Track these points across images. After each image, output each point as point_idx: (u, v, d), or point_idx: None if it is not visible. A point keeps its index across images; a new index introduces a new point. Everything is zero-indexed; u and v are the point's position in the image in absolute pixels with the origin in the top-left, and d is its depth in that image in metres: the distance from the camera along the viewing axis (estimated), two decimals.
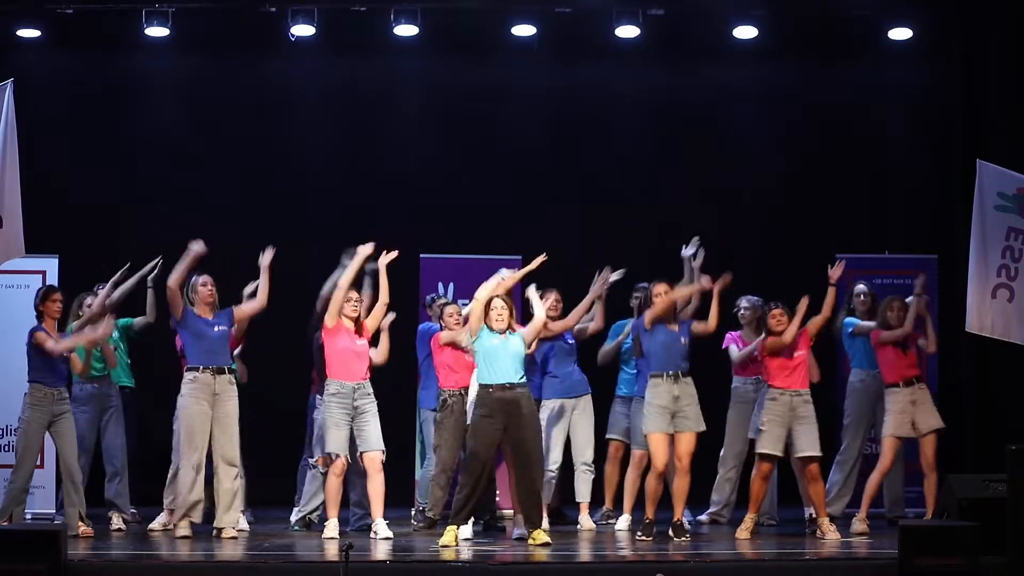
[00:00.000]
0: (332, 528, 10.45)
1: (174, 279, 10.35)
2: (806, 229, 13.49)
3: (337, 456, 10.48)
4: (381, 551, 9.80)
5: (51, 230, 12.08)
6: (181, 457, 10.53)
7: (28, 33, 13.13)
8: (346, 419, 10.49)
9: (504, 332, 10.15)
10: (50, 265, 11.88)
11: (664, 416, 10.40)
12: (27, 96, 11.04)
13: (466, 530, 10.36)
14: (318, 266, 13.02)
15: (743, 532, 10.56)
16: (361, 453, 10.51)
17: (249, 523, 11.12)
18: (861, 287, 11.73)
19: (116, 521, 11.10)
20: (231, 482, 10.49)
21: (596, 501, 11.60)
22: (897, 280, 12.50)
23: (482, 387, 10.14)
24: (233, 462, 10.52)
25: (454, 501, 10.27)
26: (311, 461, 11.13)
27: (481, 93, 13.80)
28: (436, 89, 13.82)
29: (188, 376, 10.49)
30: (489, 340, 10.14)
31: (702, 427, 10.50)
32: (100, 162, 13.44)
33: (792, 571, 9.23)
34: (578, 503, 11.30)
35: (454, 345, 11.00)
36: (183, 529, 10.42)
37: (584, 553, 10.06)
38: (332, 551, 9.66)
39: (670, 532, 10.42)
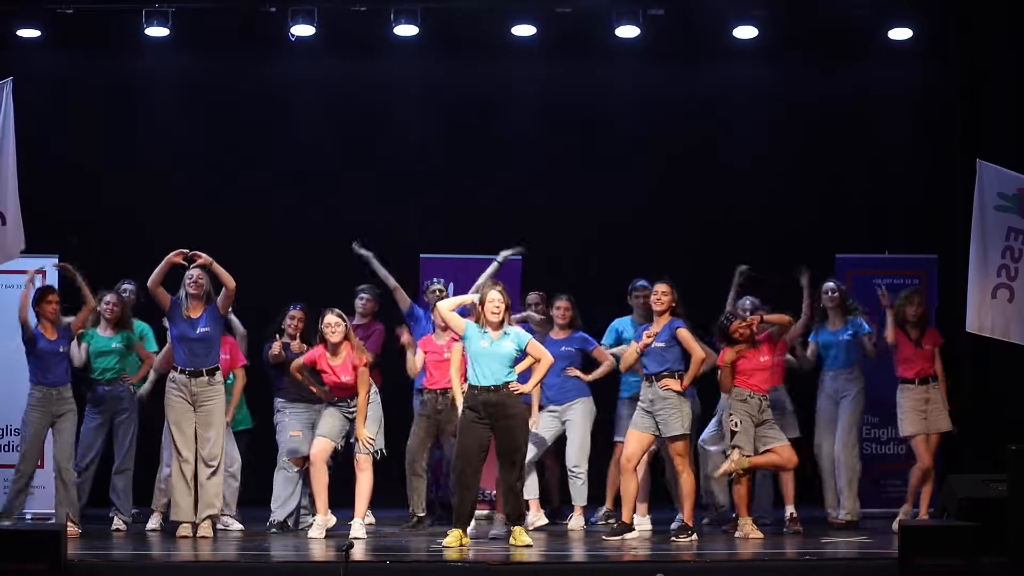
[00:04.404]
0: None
1: (151, 280, 10.45)
2: (806, 229, 13.48)
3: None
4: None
5: (51, 230, 12.07)
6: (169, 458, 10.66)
7: (28, 33, 13.10)
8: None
9: (497, 330, 10.02)
10: (50, 265, 11.85)
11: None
12: (27, 96, 11.04)
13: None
14: (317, 265, 13.06)
15: (746, 532, 10.52)
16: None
17: (226, 528, 11.00)
18: (830, 284, 11.54)
19: (116, 522, 11.10)
20: (207, 479, 10.48)
21: (599, 500, 11.58)
22: (897, 280, 12.49)
23: (470, 387, 10.04)
24: (210, 461, 10.51)
25: (454, 504, 10.21)
26: (283, 461, 11.07)
27: (481, 93, 13.79)
28: (436, 89, 13.80)
29: (170, 376, 10.63)
30: (478, 342, 10.00)
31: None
32: (99, 162, 13.42)
33: (792, 571, 9.23)
34: (573, 506, 11.24)
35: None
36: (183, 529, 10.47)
37: (584, 553, 10.05)
38: (332, 551, 9.66)
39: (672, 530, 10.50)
